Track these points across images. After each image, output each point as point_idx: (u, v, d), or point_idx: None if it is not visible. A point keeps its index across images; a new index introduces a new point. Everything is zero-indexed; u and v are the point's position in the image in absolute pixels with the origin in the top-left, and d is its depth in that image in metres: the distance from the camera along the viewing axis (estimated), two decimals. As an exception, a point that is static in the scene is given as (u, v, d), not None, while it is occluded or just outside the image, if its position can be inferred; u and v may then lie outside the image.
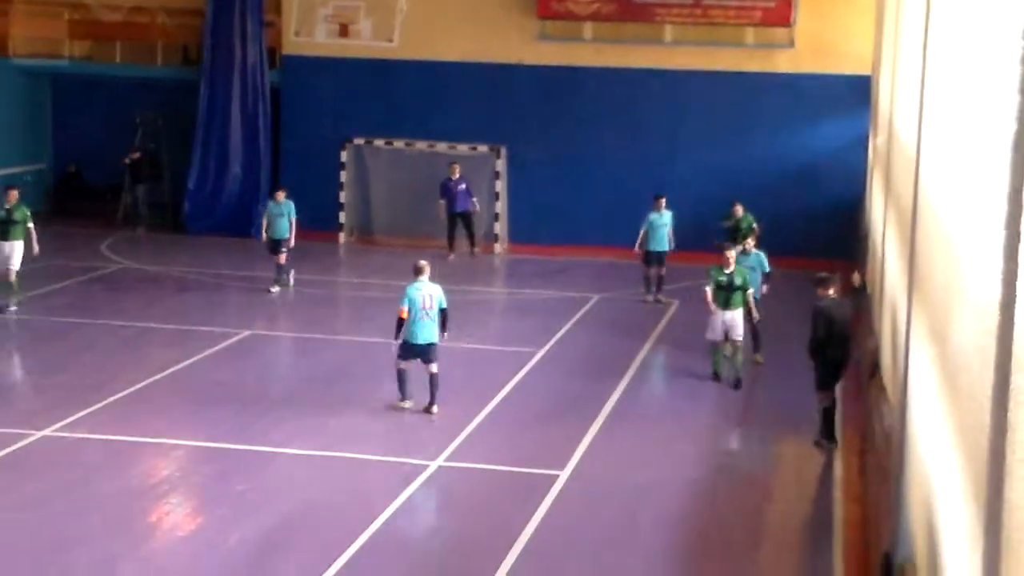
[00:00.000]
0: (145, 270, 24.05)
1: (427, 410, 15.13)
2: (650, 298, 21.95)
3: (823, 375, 14.32)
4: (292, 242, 22.18)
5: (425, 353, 15.06)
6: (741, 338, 16.84)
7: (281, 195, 22.52)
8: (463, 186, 26.25)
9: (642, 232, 21.85)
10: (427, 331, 14.94)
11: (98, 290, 22.13)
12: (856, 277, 17.30)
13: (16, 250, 20.21)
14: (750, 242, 19.07)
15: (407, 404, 15.24)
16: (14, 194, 20.60)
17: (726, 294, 16.67)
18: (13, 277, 20.12)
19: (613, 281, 23.87)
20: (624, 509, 12.48)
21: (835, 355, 14.21)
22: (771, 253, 24.93)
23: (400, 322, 14.95)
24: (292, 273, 22.49)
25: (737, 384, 16.67)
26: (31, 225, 20.42)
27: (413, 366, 15.16)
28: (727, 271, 16.79)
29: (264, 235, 22.58)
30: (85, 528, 11.47)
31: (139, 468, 13.27)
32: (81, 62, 29.89)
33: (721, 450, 14.62)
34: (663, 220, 21.89)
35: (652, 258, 21.86)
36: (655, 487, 13.12)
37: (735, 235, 20.75)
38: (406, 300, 14.93)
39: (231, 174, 28.62)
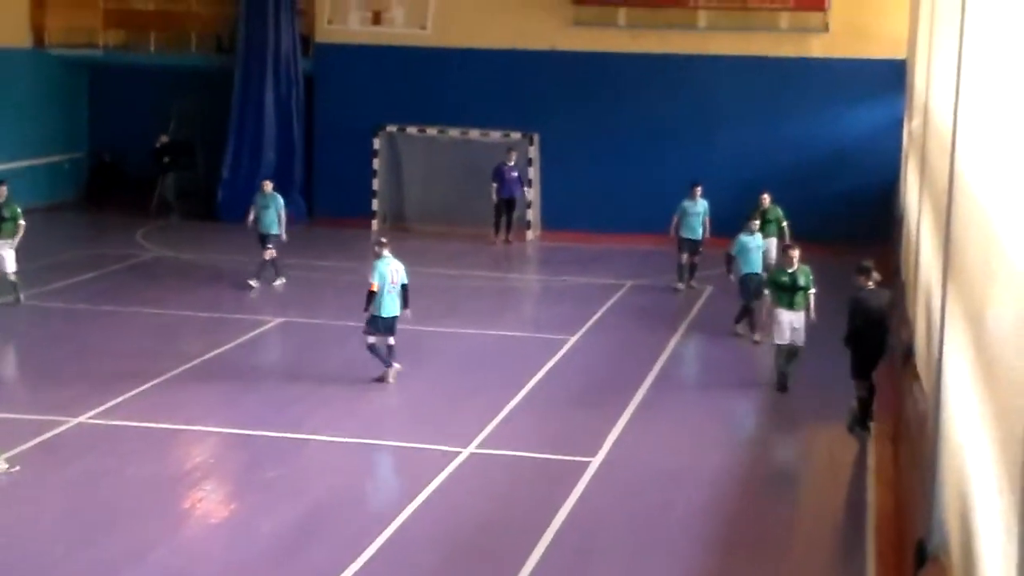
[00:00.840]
0: (179, 258, 24.17)
1: (382, 379, 15.66)
2: (682, 286, 21.80)
3: (859, 364, 14.17)
4: (284, 236, 21.31)
5: (390, 327, 15.75)
6: (803, 343, 15.89)
7: (268, 186, 21.69)
8: (515, 173, 26.42)
9: (675, 219, 21.74)
10: (393, 305, 15.73)
11: (133, 278, 22.24)
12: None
13: (7, 252, 19.21)
14: (753, 224, 19.15)
15: (394, 371, 15.77)
16: (3, 190, 19.37)
17: (789, 296, 15.67)
18: (12, 278, 19.30)
19: (646, 268, 23.78)
20: (656, 497, 12.44)
21: (871, 344, 14.06)
22: (805, 238, 24.78)
23: (371, 296, 15.65)
24: (280, 270, 21.52)
25: (783, 386, 15.92)
26: (22, 222, 19.32)
27: (381, 340, 15.74)
28: (790, 270, 15.91)
29: (248, 224, 21.57)
30: (119, 514, 11.55)
31: (173, 455, 13.35)
32: (116, 51, 30.05)
33: (754, 438, 14.54)
34: (696, 208, 21.72)
35: (685, 245, 21.71)
36: (687, 475, 13.08)
37: (763, 226, 20.25)
38: (377, 275, 15.67)
39: (265, 162, 28.69)
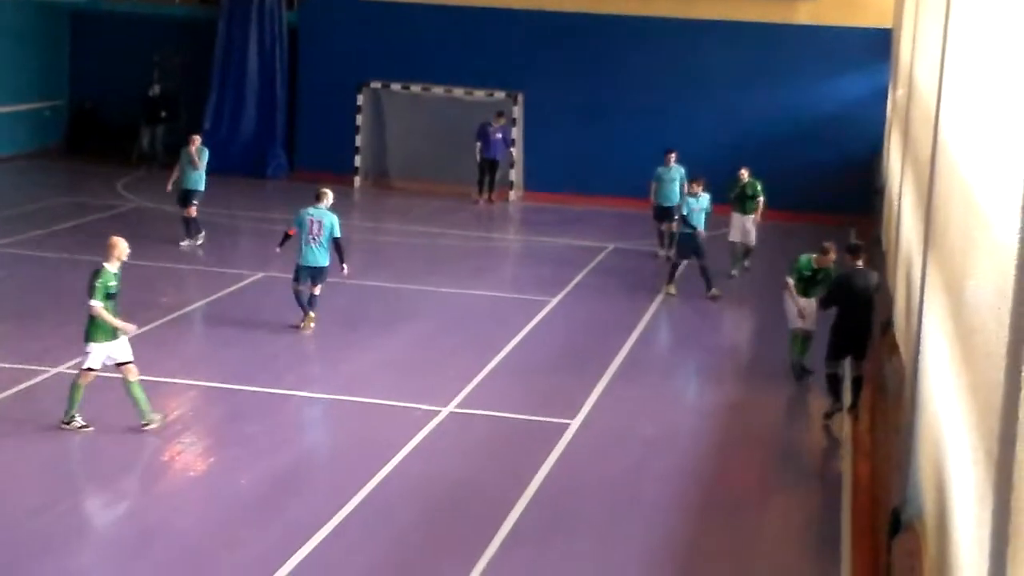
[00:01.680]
0: (161, 210, 24.05)
1: (297, 326, 16.00)
2: (662, 253, 21.61)
3: (836, 343, 13.68)
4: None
5: (314, 276, 16.09)
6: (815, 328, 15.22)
7: (196, 141, 20.92)
8: (499, 135, 26.40)
9: (652, 185, 21.63)
10: (313, 255, 16.02)
11: (113, 229, 22.08)
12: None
13: None
14: (696, 186, 19.30)
15: (308, 319, 16.08)
16: None
17: (806, 285, 15.13)
18: None
19: (628, 231, 23.81)
20: (633, 459, 12.53)
21: (852, 326, 13.58)
22: (787, 207, 24.88)
23: (285, 236, 16.37)
24: (202, 233, 20.88)
25: (803, 374, 15.18)
26: None
27: (306, 288, 16.12)
28: (819, 268, 14.97)
29: (170, 185, 20.95)
30: (97, 466, 11.56)
31: (152, 408, 13.33)
32: (99, -1, 29.82)
33: (730, 403, 14.63)
34: (671, 175, 21.43)
35: (661, 213, 21.61)
36: (664, 438, 13.17)
37: (742, 201, 20.49)
38: (296, 221, 16.18)
39: (247, 115, 28.58)
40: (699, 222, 19.15)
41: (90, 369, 12.23)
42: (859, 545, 10.75)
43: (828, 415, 13.93)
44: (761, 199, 20.58)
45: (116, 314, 12.27)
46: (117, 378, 13.88)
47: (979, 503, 5.36)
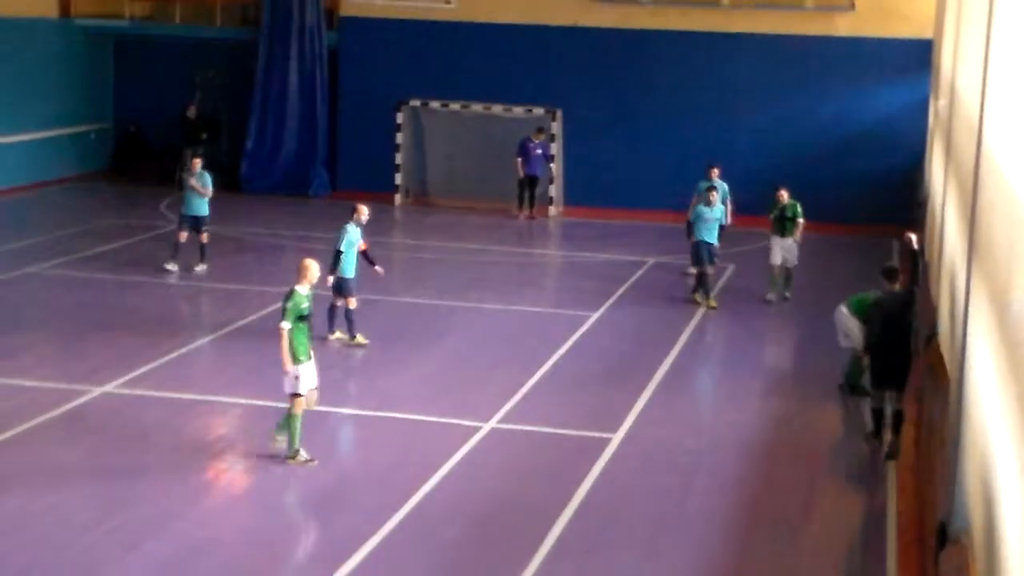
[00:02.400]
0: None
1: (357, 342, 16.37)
2: (711, 269, 20.80)
3: (878, 373, 13.16)
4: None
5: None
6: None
7: (197, 164, 20.51)
8: (540, 151, 26.48)
9: (694, 199, 21.18)
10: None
11: (158, 248, 22.33)
12: (910, 237, 15.89)
13: None
14: (715, 171, 19.70)
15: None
16: None
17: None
18: None
19: (668, 245, 23.75)
20: (677, 474, 12.48)
21: (891, 352, 12.99)
22: (829, 220, 24.76)
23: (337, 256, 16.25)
24: (206, 256, 20.34)
25: (853, 392, 14.84)
26: None
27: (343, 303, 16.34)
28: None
29: (163, 207, 20.22)
30: (142, 485, 11.64)
31: (196, 426, 13.45)
32: (142, 22, 30.15)
33: (775, 416, 14.55)
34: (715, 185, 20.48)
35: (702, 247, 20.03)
36: (708, 452, 13.11)
37: (782, 223, 19.62)
38: (347, 242, 16.22)
39: (288, 135, 28.78)
40: (710, 232, 19.26)
41: (297, 394, 12.12)
42: (905, 559, 10.65)
43: (866, 438, 13.49)
44: (801, 221, 19.76)
45: (310, 336, 12.29)
46: (160, 398, 14.00)
47: (1027, 515, 5.31)
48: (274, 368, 15.34)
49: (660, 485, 12.15)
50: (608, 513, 11.37)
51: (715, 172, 21.15)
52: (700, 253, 19.31)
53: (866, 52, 26.08)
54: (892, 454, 13.07)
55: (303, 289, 12.28)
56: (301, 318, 12.16)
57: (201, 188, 20.28)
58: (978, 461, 7.85)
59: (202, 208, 20.30)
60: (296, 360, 12.09)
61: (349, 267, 16.29)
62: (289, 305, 12.11)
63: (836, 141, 26.16)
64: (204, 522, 10.98)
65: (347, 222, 16.49)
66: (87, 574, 9.81)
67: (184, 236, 20.25)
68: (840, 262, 22.98)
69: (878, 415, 13.44)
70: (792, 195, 19.91)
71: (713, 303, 19.18)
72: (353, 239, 16.29)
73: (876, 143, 25.96)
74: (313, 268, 12.41)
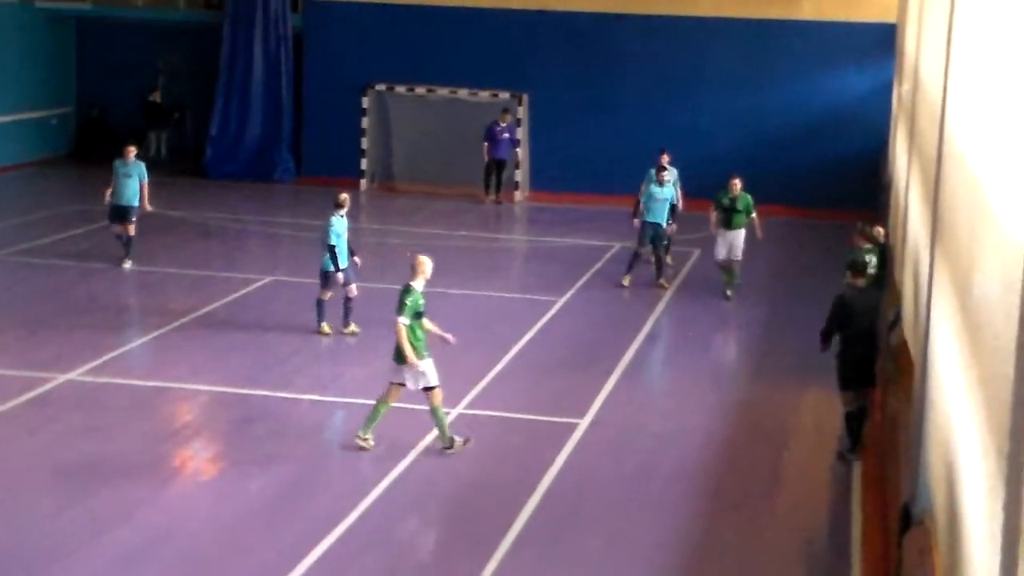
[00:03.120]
0: (167, 215, 24.06)
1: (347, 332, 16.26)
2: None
3: (843, 373, 12.55)
4: (147, 206, 19.47)
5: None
6: None
7: (131, 152, 19.43)
8: (506, 135, 26.44)
9: (643, 186, 20.14)
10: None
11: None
12: (879, 231, 16.13)
13: None
14: (665, 157, 19.64)
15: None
16: None
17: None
18: None
19: (634, 230, 23.73)
20: (643, 458, 12.52)
21: (857, 351, 12.42)
22: (792, 203, 24.87)
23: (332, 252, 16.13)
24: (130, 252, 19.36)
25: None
26: None
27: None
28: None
29: (107, 199, 19.28)
30: (107, 472, 11.57)
31: (161, 413, 13.38)
32: (104, 6, 29.84)
33: (739, 400, 14.62)
34: (666, 177, 19.79)
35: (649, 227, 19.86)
36: (674, 436, 13.16)
37: (729, 214, 18.79)
38: (334, 233, 16.10)
39: (253, 120, 28.61)
40: (659, 212, 19.22)
41: (433, 388, 12.08)
42: (869, 541, 10.74)
43: (841, 456, 12.78)
44: (754, 215, 19.00)
45: (423, 330, 12.15)
46: (124, 385, 13.91)
47: (989, 497, 5.36)
48: (237, 354, 15.29)
49: (626, 470, 12.19)
50: (575, 498, 11.40)
51: (665, 157, 20.61)
52: (644, 234, 19.32)
53: (830, 36, 26.18)
54: (855, 448, 12.73)
55: (419, 285, 12.13)
56: (417, 315, 12.03)
57: (134, 176, 19.22)
58: (941, 443, 7.91)
59: (133, 198, 19.24)
60: (420, 356, 11.98)
61: (343, 257, 16.22)
62: (408, 301, 11.96)
63: (801, 124, 26.26)
64: (169, 510, 10.93)
65: (331, 215, 16.25)
66: (52, 561, 9.74)
67: (131, 228, 19.26)
68: (804, 246, 23.09)
69: (849, 419, 12.67)
70: (746, 186, 19.13)
71: (665, 283, 19.40)
72: (339, 230, 16.18)
73: (841, 127, 26.08)
74: (428, 263, 12.25)
